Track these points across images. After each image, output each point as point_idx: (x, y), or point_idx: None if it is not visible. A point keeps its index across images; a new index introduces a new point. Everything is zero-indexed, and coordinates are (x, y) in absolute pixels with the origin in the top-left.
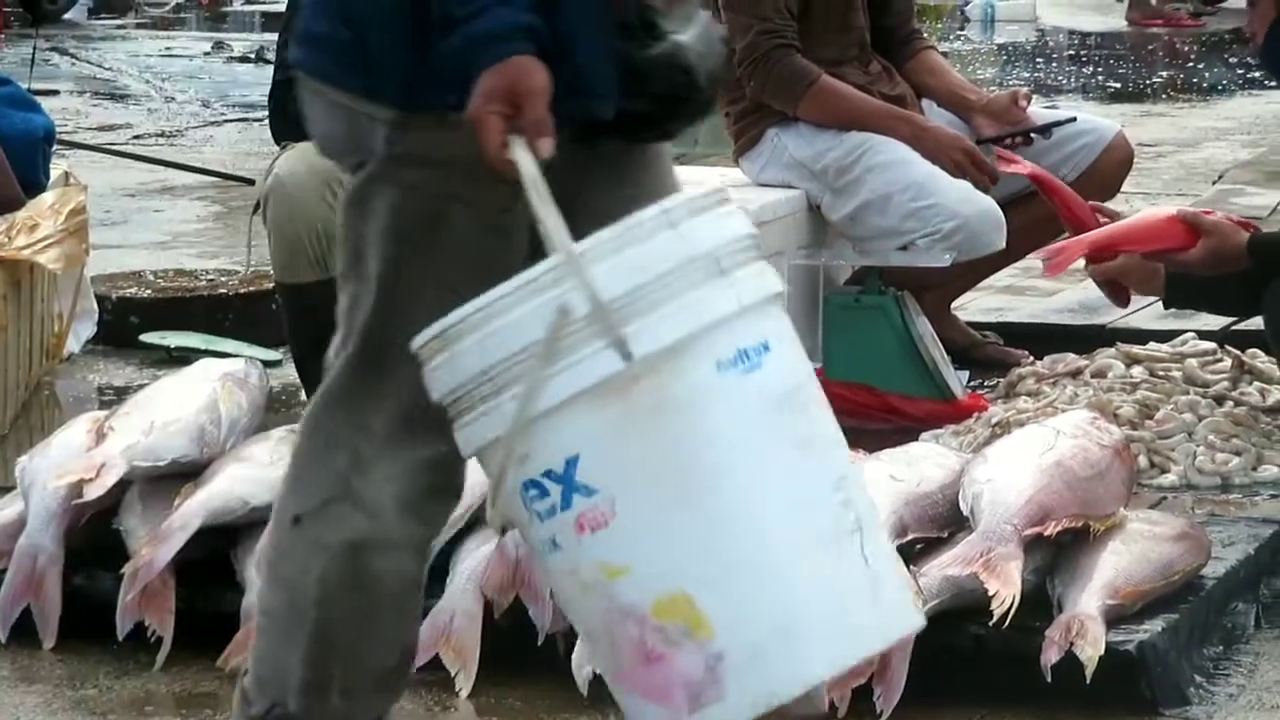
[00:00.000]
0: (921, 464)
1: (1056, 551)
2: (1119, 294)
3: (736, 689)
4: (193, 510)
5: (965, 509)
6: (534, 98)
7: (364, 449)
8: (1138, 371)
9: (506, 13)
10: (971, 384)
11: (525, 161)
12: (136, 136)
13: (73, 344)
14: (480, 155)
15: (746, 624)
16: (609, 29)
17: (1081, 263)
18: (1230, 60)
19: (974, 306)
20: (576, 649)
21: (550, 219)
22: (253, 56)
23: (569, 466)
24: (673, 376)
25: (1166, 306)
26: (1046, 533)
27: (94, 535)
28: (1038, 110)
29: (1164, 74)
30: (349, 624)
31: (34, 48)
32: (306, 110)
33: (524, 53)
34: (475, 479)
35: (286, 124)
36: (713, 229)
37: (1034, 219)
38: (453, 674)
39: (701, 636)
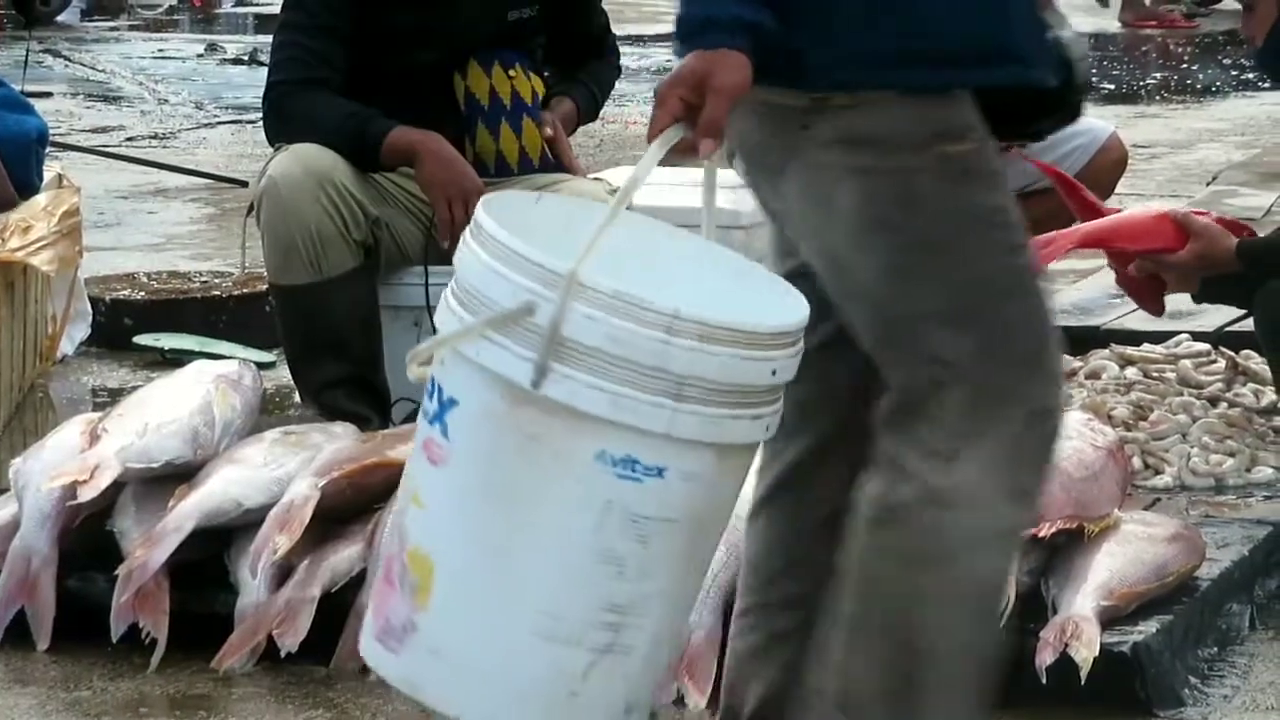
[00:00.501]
0: None
1: (1051, 553)
2: (1154, 302)
3: (405, 660)
4: (187, 512)
5: None
6: (720, 96)
7: None
8: (1132, 373)
9: (734, 4)
10: None
11: (649, 155)
12: (130, 138)
13: (66, 346)
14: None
15: (446, 629)
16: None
17: (1079, 262)
18: (1224, 62)
19: None
20: None
21: (601, 232)
22: (246, 58)
23: (449, 404)
24: (558, 431)
25: (1197, 301)
26: (1041, 534)
27: (88, 537)
28: None
29: (1158, 75)
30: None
31: (27, 50)
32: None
33: (733, 47)
34: None
35: (280, 125)
36: (707, 362)
37: (1028, 220)
38: None
39: (418, 601)
